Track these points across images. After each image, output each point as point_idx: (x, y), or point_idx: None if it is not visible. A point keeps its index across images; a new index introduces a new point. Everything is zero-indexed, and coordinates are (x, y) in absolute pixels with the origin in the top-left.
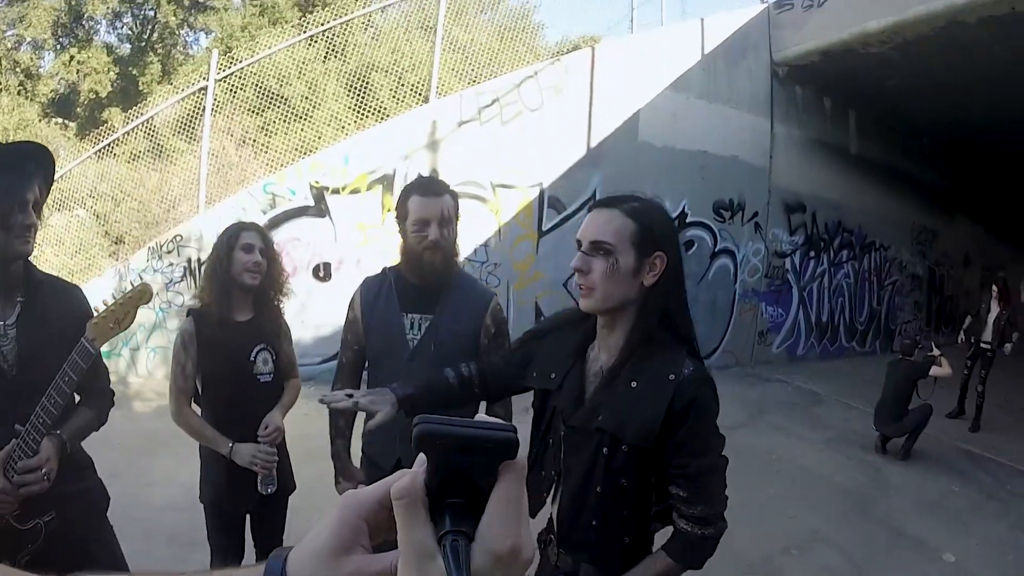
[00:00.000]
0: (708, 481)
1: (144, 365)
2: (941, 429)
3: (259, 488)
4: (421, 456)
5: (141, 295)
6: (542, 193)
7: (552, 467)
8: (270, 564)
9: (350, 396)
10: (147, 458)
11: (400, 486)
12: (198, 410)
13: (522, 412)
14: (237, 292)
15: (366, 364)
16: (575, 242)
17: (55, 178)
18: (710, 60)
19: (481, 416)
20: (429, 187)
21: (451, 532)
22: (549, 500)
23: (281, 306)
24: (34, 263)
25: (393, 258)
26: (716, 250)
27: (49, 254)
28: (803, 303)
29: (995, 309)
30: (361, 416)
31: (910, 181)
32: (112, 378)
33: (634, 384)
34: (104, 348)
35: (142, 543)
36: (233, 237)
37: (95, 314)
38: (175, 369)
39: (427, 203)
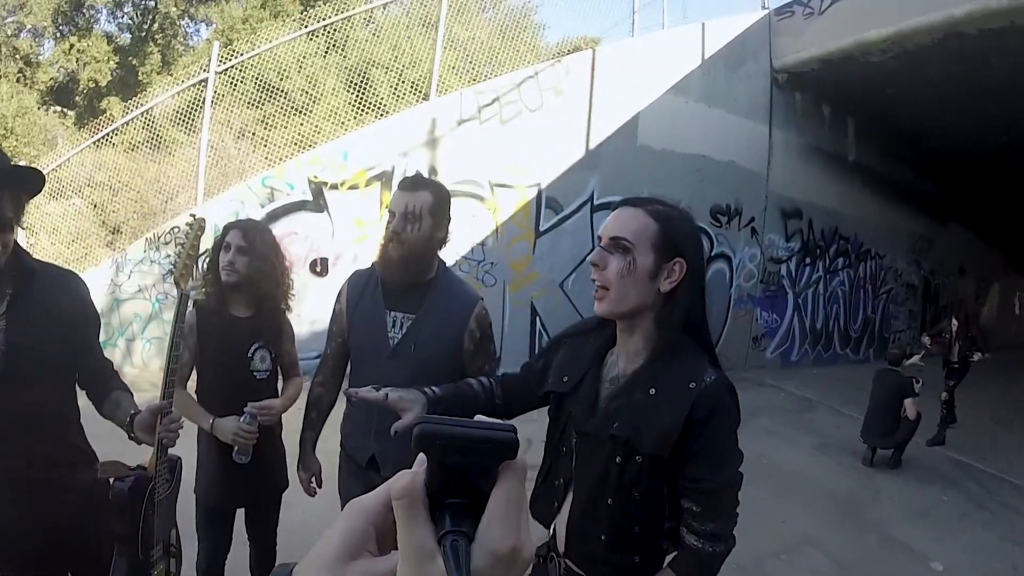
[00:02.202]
0: (723, 497)
1: (140, 356)
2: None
3: (233, 457)
4: (421, 456)
5: (199, 228)
6: (540, 193)
7: (564, 475)
8: (276, 574)
9: (379, 389)
10: (141, 449)
11: (400, 486)
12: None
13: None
14: (230, 289)
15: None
16: (596, 239)
17: (51, 169)
18: (710, 65)
19: (480, 416)
20: (408, 181)
21: (451, 532)
22: (558, 511)
23: (284, 307)
24: (29, 251)
25: None
26: (712, 254)
27: (45, 242)
28: (798, 309)
29: (956, 345)
30: (337, 411)
31: (906, 190)
32: None
33: (652, 391)
34: (100, 337)
35: None
36: (220, 236)
37: (173, 265)
38: None
39: (400, 196)
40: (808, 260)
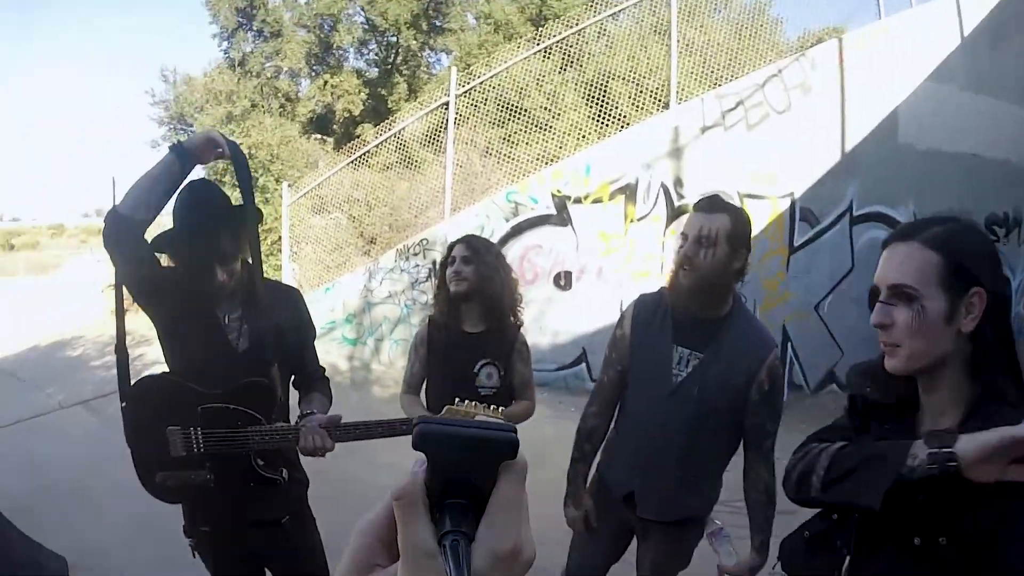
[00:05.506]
0: None
1: (386, 354)
2: None
3: None
4: (421, 456)
5: None
6: (793, 204)
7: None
8: None
9: None
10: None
11: (400, 487)
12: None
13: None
14: (463, 304)
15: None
16: (871, 290)
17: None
18: (971, 42)
19: (481, 417)
20: (704, 202)
21: (451, 532)
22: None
23: (517, 323)
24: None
25: (635, 269)
26: None
27: (308, 251)
28: None
29: None
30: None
31: None
32: (356, 364)
33: None
34: (350, 336)
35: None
36: (446, 253)
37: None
38: (407, 365)
39: (694, 218)
40: None
